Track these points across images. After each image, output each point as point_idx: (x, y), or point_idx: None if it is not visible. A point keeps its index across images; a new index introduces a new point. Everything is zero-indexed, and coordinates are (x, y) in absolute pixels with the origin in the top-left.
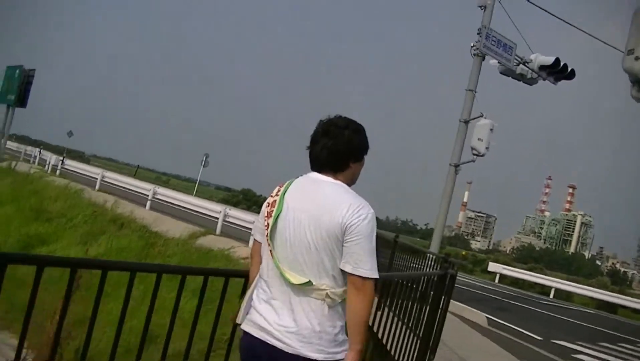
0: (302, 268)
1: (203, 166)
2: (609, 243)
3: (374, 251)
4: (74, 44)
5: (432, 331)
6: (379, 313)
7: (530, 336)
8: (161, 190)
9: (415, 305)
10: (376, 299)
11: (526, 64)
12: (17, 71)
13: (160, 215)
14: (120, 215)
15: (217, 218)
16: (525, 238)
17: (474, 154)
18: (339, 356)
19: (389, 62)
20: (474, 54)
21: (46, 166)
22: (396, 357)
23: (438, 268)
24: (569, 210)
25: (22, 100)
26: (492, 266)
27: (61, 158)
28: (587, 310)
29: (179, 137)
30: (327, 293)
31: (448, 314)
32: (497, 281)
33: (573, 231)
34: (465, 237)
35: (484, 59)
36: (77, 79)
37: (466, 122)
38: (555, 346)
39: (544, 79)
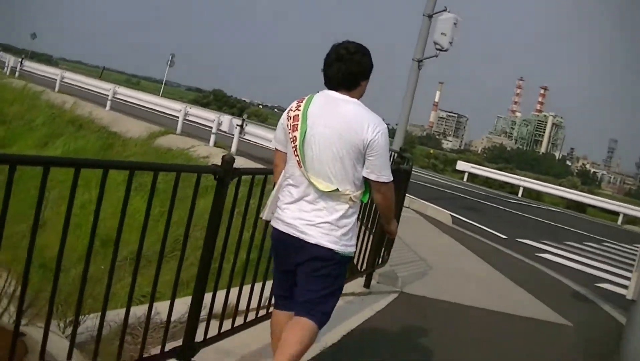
0: (329, 177)
1: (169, 66)
2: (579, 144)
3: (388, 160)
4: None
5: (383, 231)
6: None
7: (495, 234)
8: (121, 90)
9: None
10: None
11: None
12: None
13: (121, 115)
14: (79, 116)
15: (178, 117)
16: (496, 138)
17: (437, 49)
18: (349, 249)
19: None
20: None
21: (4, 68)
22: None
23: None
24: (540, 111)
25: None
26: (461, 165)
27: (19, 60)
28: (555, 209)
29: (149, 39)
30: (350, 197)
31: (411, 213)
32: (465, 180)
33: (544, 132)
34: (437, 137)
35: None
36: None
37: (430, 16)
38: (520, 245)
39: None
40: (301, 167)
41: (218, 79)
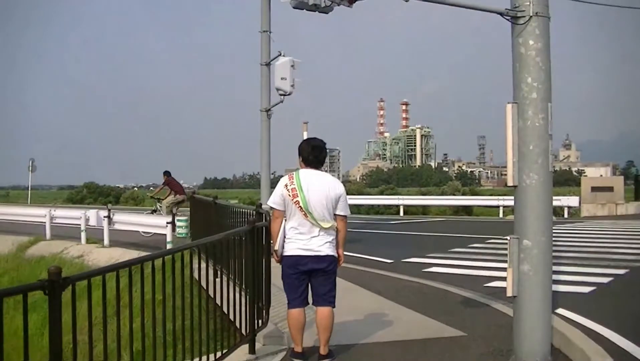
0: (324, 218)
1: (31, 171)
2: (451, 149)
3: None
4: None
5: (258, 288)
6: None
7: (380, 261)
8: None
9: (238, 263)
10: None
11: None
12: None
13: None
14: None
15: (45, 222)
16: (371, 162)
17: (280, 95)
18: (336, 253)
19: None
20: None
21: None
22: (233, 318)
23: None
24: (406, 126)
25: None
26: None
27: None
28: (439, 219)
29: (10, 148)
30: (334, 227)
31: None
32: None
33: (415, 145)
34: None
35: None
36: None
37: (267, 64)
38: (406, 265)
39: (339, 4)
40: (307, 217)
41: (88, 172)
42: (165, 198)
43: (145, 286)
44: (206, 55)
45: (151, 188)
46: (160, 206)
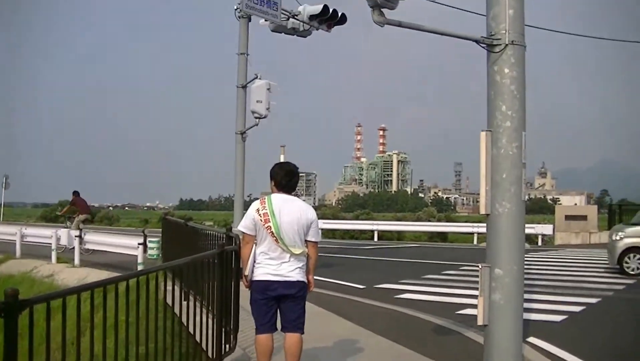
0: (295, 244)
1: (4, 188)
2: (427, 175)
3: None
4: None
5: (226, 313)
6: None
7: (352, 286)
8: None
9: (207, 287)
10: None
11: (295, 17)
12: None
13: None
14: None
15: (15, 240)
16: (348, 187)
17: (256, 118)
18: (306, 279)
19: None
20: (239, 17)
21: None
22: (200, 341)
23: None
24: (383, 152)
25: None
26: None
27: None
28: (412, 245)
29: None
30: (305, 253)
31: None
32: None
33: (392, 171)
34: None
35: (250, 19)
36: None
37: (243, 87)
38: (379, 291)
39: (317, 29)
40: (278, 242)
41: (64, 190)
42: (76, 216)
43: (112, 309)
44: (185, 75)
45: (126, 208)
46: (70, 224)
